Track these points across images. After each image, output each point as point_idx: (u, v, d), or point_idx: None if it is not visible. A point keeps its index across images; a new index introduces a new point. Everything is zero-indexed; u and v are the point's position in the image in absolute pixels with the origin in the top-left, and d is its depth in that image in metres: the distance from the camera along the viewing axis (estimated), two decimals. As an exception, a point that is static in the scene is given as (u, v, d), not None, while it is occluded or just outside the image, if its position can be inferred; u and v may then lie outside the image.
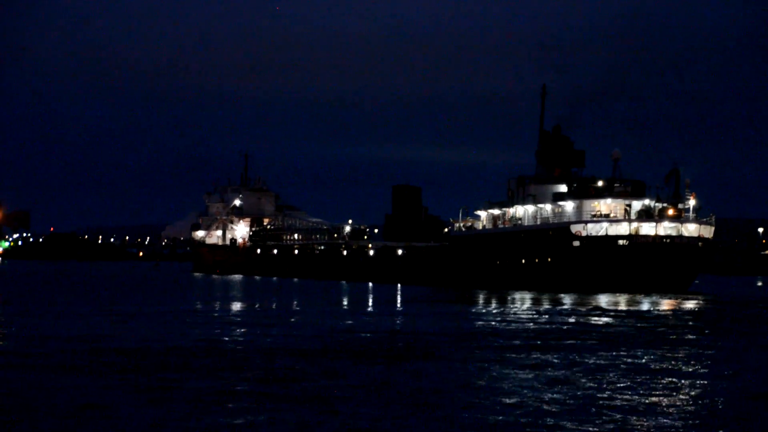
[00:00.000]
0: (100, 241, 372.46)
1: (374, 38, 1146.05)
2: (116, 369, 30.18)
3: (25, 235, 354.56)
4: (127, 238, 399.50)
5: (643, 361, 33.92)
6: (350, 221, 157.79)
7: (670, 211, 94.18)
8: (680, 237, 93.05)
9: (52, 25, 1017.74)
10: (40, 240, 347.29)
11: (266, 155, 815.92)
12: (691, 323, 52.80)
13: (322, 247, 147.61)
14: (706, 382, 28.75)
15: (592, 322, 52.68)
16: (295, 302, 70.04)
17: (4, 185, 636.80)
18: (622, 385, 27.71)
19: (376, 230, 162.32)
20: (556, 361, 33.19)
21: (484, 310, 63.05)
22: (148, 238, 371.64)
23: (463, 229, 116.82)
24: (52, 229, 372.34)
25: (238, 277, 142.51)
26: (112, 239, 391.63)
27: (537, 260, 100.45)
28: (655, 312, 62.43)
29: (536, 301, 73.72)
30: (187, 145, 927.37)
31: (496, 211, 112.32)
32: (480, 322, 51.06)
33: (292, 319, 52.84)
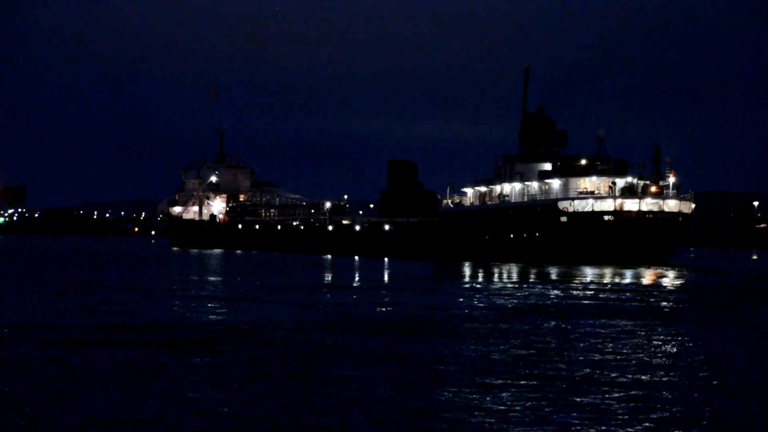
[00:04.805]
0: (95, 217, 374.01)
1: (367, 12, 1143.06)
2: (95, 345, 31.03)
3: (20, 210, 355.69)
4: (123, 213, 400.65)
5: (634, 330, 35.43)
6: (345, 196, 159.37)
7: (653, 188, 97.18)
8: (662, 212, 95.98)
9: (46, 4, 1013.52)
10: (36, 215, 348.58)
11: (255, 132, 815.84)
12: (670, 295, 54.43)
13: (297, 223, 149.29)
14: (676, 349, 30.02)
15: (583, 294, 54.46)
16: (279, 278, 71.19)
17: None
18: (611, 355, 28.96)
19: (371, 205, 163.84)
20: (542, 331, 34.40)
21: (476, 283, 64.67)
22: (144, 213, 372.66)
23: (451, 206, 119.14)
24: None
25: (218, 251, 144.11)
26: (107, 214, 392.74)
27: (525, 235, 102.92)
28: (638, 283, 64.05)
29: (526, 274, 75.83)
30: (185, 119, 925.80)
31: (483, 189, 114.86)
32: (476, 293, 52.49)
33: (288, 294, 53.83)
